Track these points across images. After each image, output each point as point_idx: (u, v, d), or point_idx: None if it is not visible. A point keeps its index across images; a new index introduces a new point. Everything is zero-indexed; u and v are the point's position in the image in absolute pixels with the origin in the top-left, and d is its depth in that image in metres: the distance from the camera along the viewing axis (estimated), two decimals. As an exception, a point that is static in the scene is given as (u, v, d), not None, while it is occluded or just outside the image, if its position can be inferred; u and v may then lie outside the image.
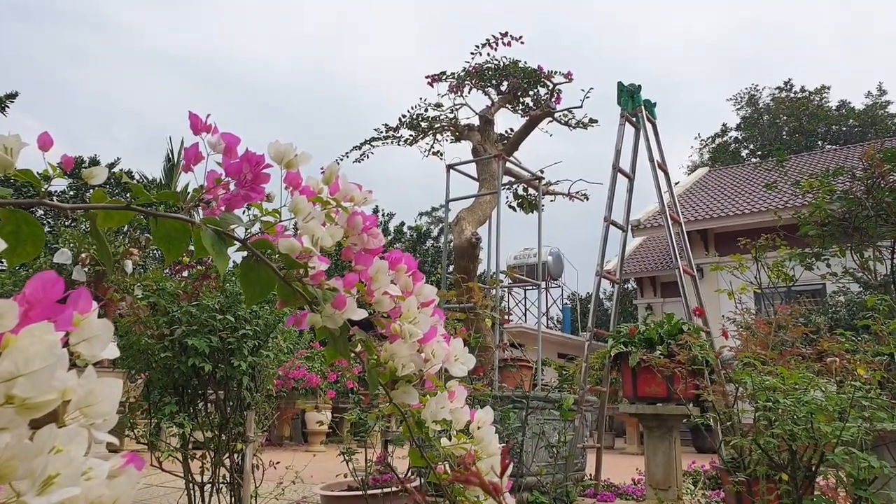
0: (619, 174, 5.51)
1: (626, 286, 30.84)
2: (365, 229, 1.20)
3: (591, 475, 5.67)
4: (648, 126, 5.59)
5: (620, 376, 4.83)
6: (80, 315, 0.57)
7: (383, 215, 25.40)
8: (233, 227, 1.12)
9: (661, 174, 5.44)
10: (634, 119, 5.63)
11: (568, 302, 29.51)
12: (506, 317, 7.89)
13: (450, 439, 1.36)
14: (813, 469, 2.19)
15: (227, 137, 1.17)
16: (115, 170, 15.07)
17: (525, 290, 28.39)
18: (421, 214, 28.62)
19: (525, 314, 28.43)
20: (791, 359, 3.07)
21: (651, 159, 5.38)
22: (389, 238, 24.70)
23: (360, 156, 6.82)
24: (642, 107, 5.54)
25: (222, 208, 1.16)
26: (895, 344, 2.18)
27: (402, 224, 25.11)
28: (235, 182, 1.14)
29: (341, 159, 6.84)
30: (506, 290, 6.98)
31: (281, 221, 1.18)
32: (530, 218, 7.38)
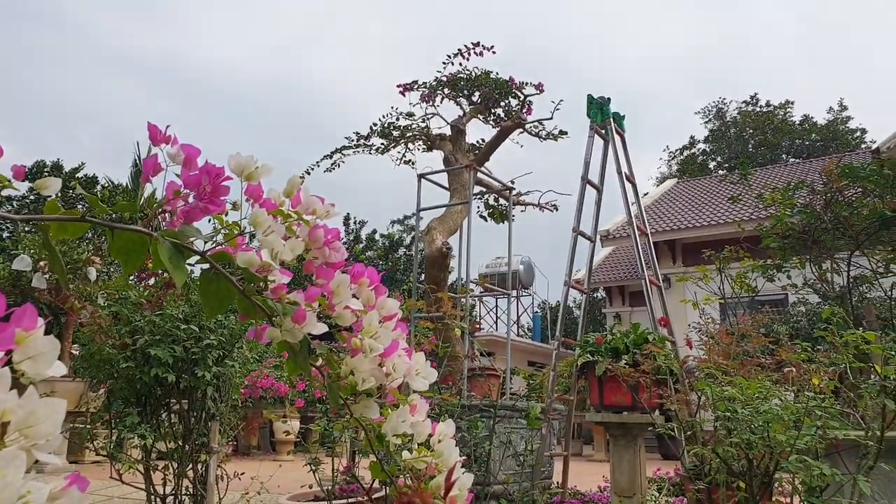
0: (587, 185, 5.57)
1: (595, 295, 31.11)
2: (326, 243, 1.20)
3: (558, 483, 5.70)
4: (617, 138, 5.66)
5: (588, 385, 4.87)
6: (24, 332, 0.56)
7: (355, 223, 25.30)
8: (192, 239, 1.11)
9: (628, 186, 5.52)
10: (603, 131, 5.70)
11: (538, 310, 29.68)
12: (476, 325, 7.90)
13: (411, 452, 1.36)
14: (769, 477, 2.24)
15: (186, 149, 1.16)
16: (79, 175, 14.80)
17: (496, 299, 28.49)
18: (393, 222, 28.58)
19: (496, 322, 28.54)
20: (751, 368, 3.13)
21: (619, 171, 5.45)
22: (361, 245, 24.63)
23: (332, 164, 6.79)
24: (611, 119, 5.61)
25: (181, 221, 1.15)
26: (847, 355, 2.24)
27: (374, 232, 25.05)
28: (194, 194, 1.14)
29: (312, 169, 6.81)
30: (476, 298, 7.02)
31: (242, 234, 1.17)
32: (502, 227, 7.43)
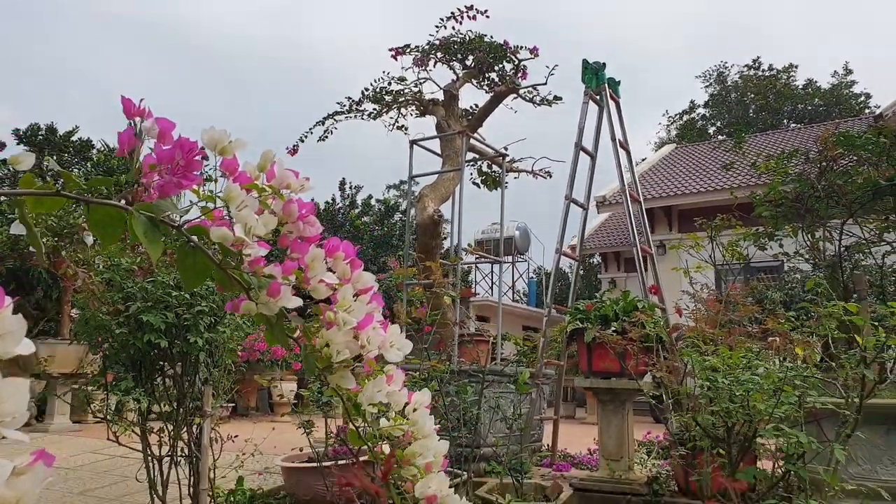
0: (581, 152, 5.56)
1: (591, 261, 31.13)
2: (301, 217, 1.21)
3: (548, 446, 5.80)
4: (612, 104, 5.63)
5: (577, 351, 4.93)
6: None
7: (351, 187, 25.13)
8: (167, 213, 1.13)
9: (622, 153, 5.50)
10: (598, 97, 5.66)
11: (534, 276, 29.78)
12: (470, 291, 7.93)
13: (388, 420, 1.39)
14: (748, 444, 2.29)
15: (161, 122, 1.17)
16: (74, 138, 14.68)
17: (492, 265, 28.58)
18: (389, 187, 28.47)
19: (492, 288, 28.65)
20: (738, 337, 3.17)
21: (613, 138, 5.43)
22: (357, 211, 24.48)
23: (325, 132, 6.73)
24: (606, 85, 5.57)
25: (156, 195, 1.16)
26: (830, 326, 2.27)
27: (370, 197, 24.89)
28: (168, 168, 1.14)
29: (305, 136, 6.75)
30: (473, 264, 7.03)
31: (218, 208, 1.18)
32: (498, 194, 7.37)
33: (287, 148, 6.79)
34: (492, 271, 28.67)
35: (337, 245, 1.32)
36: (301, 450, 4.23)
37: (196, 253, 1.15)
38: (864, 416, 3.68)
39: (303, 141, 6.72)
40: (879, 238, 4.34)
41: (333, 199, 24.40)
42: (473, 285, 24.16)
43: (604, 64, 5.58)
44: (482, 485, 4.32)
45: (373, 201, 24.23)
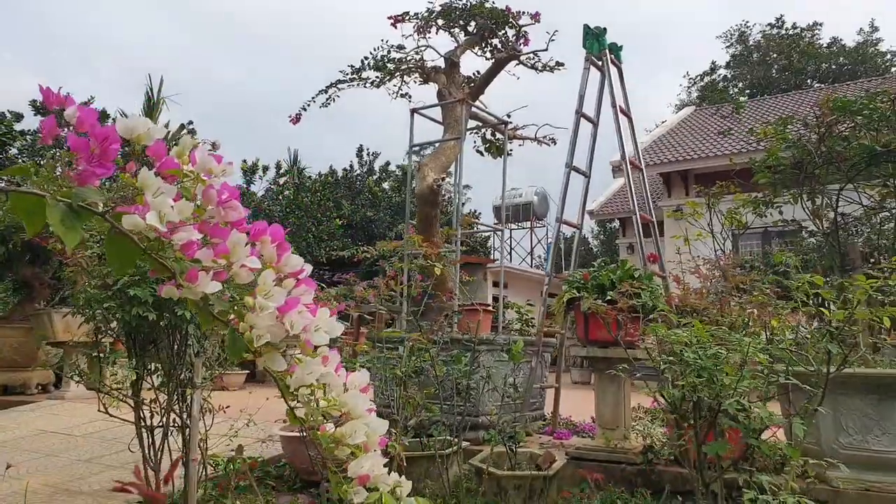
0: (582, 119, 5.48)
1: (610, 226, 30.89)
2: (220, 202, 1.21)
3: (549, 414, 5.84)
4: (613, 70, 5.53)
5: (575, 320, 4.92)
6: None
7: (368, 154, 25.12)
8: (88, 200, 1.13)
9: (624, 120, 5.42)
10: (600, 63, 5.56)
11: (550, 241, 29.68)
12: (479, 258, 7.90)
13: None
14: (714, 417, 2.29)
15: (82, 111, 1.17)
16: (92, 107, 14.79)
17: (511, 231, 28.53)
18: (408, 153, 28.33)
19: (510, 254, 28.65)
20: (725, 306, 3.15)
21: (613, 104, 5.34)
22: (376, 177, 24.47)
23: (327, 99, 6.69)
24: (607, 50, 5.46)
25: (76, 182, 1.17)
26: (800, 299, 2.24)
27: (388, 164, 24.86)
28: (83, 157, 1.15)
29: (308, 104, 6.72)
30: (492, 230, 6.98)
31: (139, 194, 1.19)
32: (516, 158, 7.29)
33: (290, 116, 6.78)
34: (511, 237, 28.69)
35: (263, 229, 1.33)
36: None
37: (123, 238, 1.16)
38: (858, 386, 3.67)
39: (305, 109, 6.71)
40: (881, 205, 4.25)
41: (351, 166, 24.43)
42: (492, 252, 24.12)
43: (604, 29, 5.46)
44: (478, 453, 4.38)
45: (392, 166, 24.22)
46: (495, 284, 20.76)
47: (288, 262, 1.35)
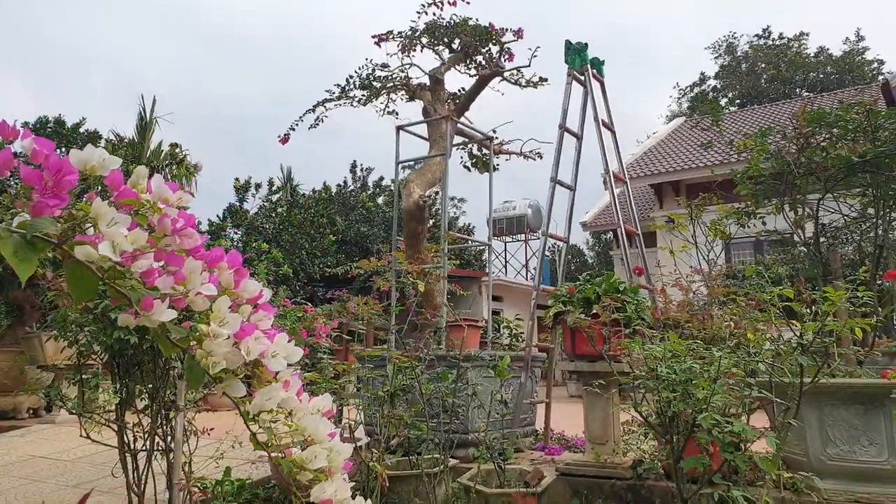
0: (566, 133, 5.51)
1: (604, 236, 30.94)
2: (175, 231, 1.22)
3: (540, 429, 5.82)
4: (596, 85, 5.57)
5: (563, 334, 4.92)
6: None
7: (362, 170, 25.21)
8: (43, 231, 1.14)
9: (607, 133, 5.45)
10: (582, 77, 5.60)
11: (548, 254, 29.70)
12: (472, 271, 7.87)
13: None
14: (689, 433, 2.29)
15: (37, 143, 1.18)
16: (82, 129, 14.81)
17: (505, 243, 28.57)
18: (395, 169, 28.39)
19: (505, 267, 28.65)
20: (706, 319, 3.15)
21: (596, 118, 5.38)
22: (369, 192, 24.52)
23: (315, 120, 6.71)
24: (589, 65, 5.50)
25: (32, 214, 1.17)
26: (771, 312, 2.25)
27: (381, 179, 24.93)
28: (38, 189, 1.15)
29: (296, 125, 6.74)
30: (486, 245, 6.97)
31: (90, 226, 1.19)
32: (508, 172, 7.33)
33: (278, 136, 6.80)
34: (505, 250, 28.72)
35: (220, 255, 1.33)
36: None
37: (81, 267, 1.16)
38: (844, 397, 3.67)
39: (293, 129, 6.73)
40: (862, 215, 4.28)
41: (345, 182, 24.49)
42: (487, 265, 24.07)
43: (586, 44, 5.50)
44: (468, 471, 4.36)
45: (386, 181, 24.29)
46: (493, 298, 20.76)
47: (246, 288, 1.36)
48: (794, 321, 2.29)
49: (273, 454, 1.38)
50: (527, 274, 28.06)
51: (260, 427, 1.36)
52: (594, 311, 4.32)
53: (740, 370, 2.21)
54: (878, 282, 4.03)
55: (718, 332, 2.95)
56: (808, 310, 2.16)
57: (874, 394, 3.55)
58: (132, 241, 1.19)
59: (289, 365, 1.40)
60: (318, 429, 1.35)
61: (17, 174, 1.20)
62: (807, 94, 26.80)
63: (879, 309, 2.17)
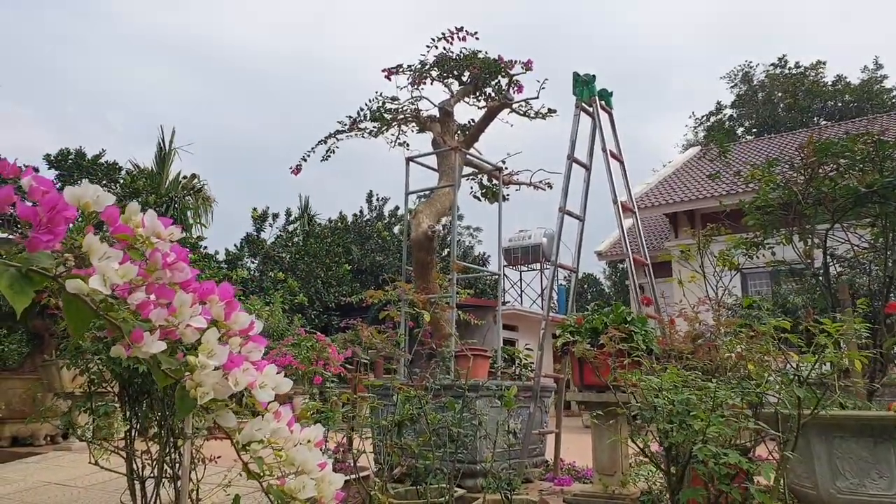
0: (575, 164, 5.55)
1: (620, 266, 30.78)
2: (166, 265, 1.27)
3: (551, 459, 5.78)
4: (604, 115, 5.62)
5: (571, 364, 4.92)
6: None
7: (377, 199, 25.45)
8: (42, 265, 1.19)
9: (615, 164, 5.49)
10: (591, 108, 5.66)
11: (564, 282, 29.59)
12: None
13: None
14: (686, 464, 2.28)
15: (37, 180, 1.23)
16: (101, 161, 15.12)
17: (520, 272, 28.56)
18: (405, 200, 28.63)
19: (521, 296, 28.60)
20: (712, 350, 3.15)
21: (604, 149, 5.42)
22: (385, 222, 24.72)
23: (327, 151, 6.84)
24: (596, 97, 5.56)
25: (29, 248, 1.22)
26: (769, 343, 2.25)
27: (397, 208, 25.14)
28: (32, 225, 1.20)
29: (308, 156, 6.86)
30: (498, 274, 7.02)
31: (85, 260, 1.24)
32: (523, 202, 7.37)
33: (290, 167, 6.92)
34: (521, 279, 28.70)
35: (211, 288, 1.38)
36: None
37: (77, 300, 1.21)
38: (853, 429, 3.62)
39: (305, 160, 6.84)
40: (873, 246, 4.25)
41: (361, 212, 24.73)
42: (501, 294, 24.05)
43: (593, 76, 5.57)
44: (475, 501, 4.34)
45: (402, 211, 24.51)
46: (507, 327, 20.70)
47: (237, 320, 1.40)
48: (790, 352, 2.29)
49: (264, 483, 1.41)
50: (542, 303, 27.95)
51: (250, 457, 1.40)
52: (601, 342, 4.33)
53: (739, 401, 2.21)
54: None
55: (723, 363, 2.95)
56: (804, 342, 2.16)
57: (883, 426, 3.50)
58: (123, 275, 1.23)
59: (298, 394, 1.44)
60: (306, 459, 1.38)
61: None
62: (825, 122, 26.70)
63: (873, 342, 2.16)
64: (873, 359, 2.82)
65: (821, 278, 4.27)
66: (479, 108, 6.69)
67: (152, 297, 1.29)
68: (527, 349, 5.86)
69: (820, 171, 4.08)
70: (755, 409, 2.34)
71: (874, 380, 3.02)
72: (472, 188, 7.44)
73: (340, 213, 23.64)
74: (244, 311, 1.42)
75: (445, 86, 6.67)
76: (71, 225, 1.28)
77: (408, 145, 7.05)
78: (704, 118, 33.18)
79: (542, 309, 25.66)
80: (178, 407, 1.32)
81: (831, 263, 4.38)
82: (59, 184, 16.09)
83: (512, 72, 6.42)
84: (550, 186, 7.07)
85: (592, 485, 4.71)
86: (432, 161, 6.52)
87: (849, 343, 3.09)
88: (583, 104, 5.59)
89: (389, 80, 6.51)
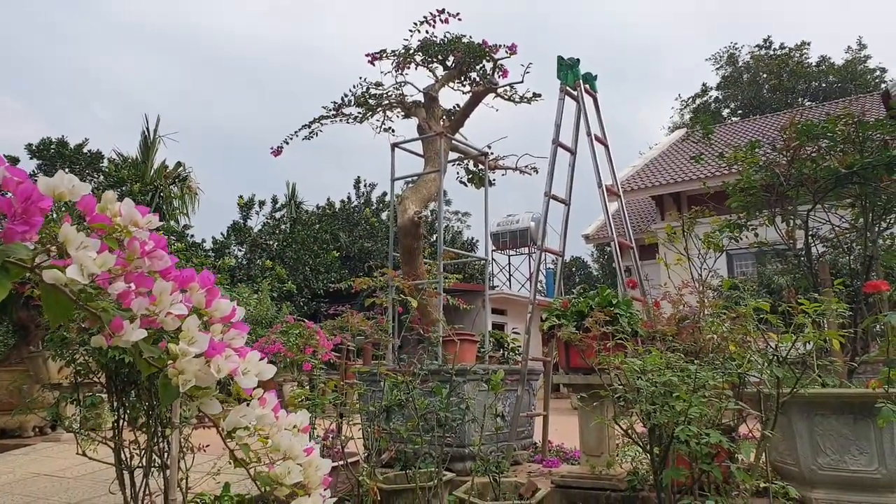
0: (560, 149, 5.56)
1: (607, 249, 30.85)
2: (144, 253, 1.26)
3: (540, 441, 5.83)
4: (588, 99, 5.63)
5: (557, 347, 4.95)
6: None
7: (365, 185, 25.35)
8: (18, 256, 1.19)
9: (600, 148, 5.50)
10: (575, 93, 5.66)
11: (552, 266, 29.69)
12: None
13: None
14: (668, 445, 2.31)
15: (11, 171, 1.22)
16: (84, 150, 14.95)
17: (509, 256, 28.64)
18: (391, 186, 28.62)
19: (510, 280, 28.69)
20: (695, 332, 3.18)
21: (589, 133, 5.43)
22: (373, 208, 24.65)
23: (310, 133, 6.81)
24: (581, 81, 5.56)
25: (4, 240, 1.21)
26: (750, 324, 2.28)
27: (385, 194, 25.06)
28: (7, 216, 1.20)
29: (290, 138, 6.84)
30: (486, 260, 7.03)
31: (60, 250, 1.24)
32: (511, 185, 7.38)
33: (271, 148, 6.90)
34: (509, 263, 28.79)
35: (191, 276, 1.38)
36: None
37: (55, 290, 1.21)
38: (833, 407, 3.68)
39: (287, 143, 6.83)
40: (853, 226, 4.30)
41: (349, 198, 24.64)
42: (491, 279, 24.18)
43: (577, 60, 5.56)
44: (464, 484, 4.37)
45: (389, 197, 24.47)
46: (496, 311, 20.76)
47: (218, 308, 1.40)
48: (770, 333, 2.32)
49: (251, 470, 1.43)
50: (531, 286, 28.07)
51: (236, 444, 1.41)
52: (586, 325, 4.36)
53: (721, 382, 2.24)
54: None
55: (705, 345, 2.98)
56: (784, 323, 2.19)
57: (863, 403, 3.56)
58: (101, 265, 1.23)
59: (287, 381, 1.44)
60: (292, 444, 1.38)
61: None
62: (809, 103, 26.83)
63: (850, 321, 2.20)
64: (853, 338, 2.86)
65: (803, 258, 4.31)
66: (463, 92, 6.69)
67: (132, 286, 1.29)
68: (514, 333, 5.88)
69: (801, 152, 4.11)
70: (737, 390, 2.38)
71: (854, 358, 3.07)
72: (458, 174, 7.46)
73: (328, 199, 23.53)
74: (226, 297, 1.42)
75: (430, 71, 6.65)
76: (54, 215, 1.28)
77: (393, 131, 7.04)
78: (690, 100, 33.26)
79: (530, 293, 25.75)
80: (162, 395, 1.32)
81: (813, 244, 4.42)
82: (41, 174, 15.90)
83: (496, 56, 6.41)
84: (536, 171, 7.09)
85: (580, 466, 4.76)
86: (418, 147, 6.52)
87: (829, 322, 3.13)
88: (567, 88, 5.59)
89: (373, 65, 6.48)
